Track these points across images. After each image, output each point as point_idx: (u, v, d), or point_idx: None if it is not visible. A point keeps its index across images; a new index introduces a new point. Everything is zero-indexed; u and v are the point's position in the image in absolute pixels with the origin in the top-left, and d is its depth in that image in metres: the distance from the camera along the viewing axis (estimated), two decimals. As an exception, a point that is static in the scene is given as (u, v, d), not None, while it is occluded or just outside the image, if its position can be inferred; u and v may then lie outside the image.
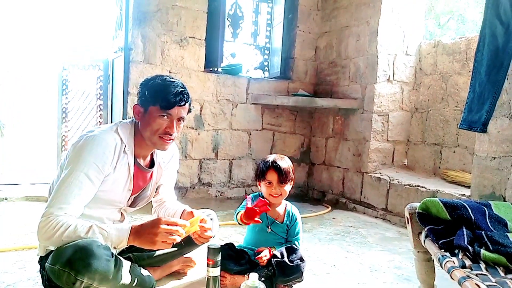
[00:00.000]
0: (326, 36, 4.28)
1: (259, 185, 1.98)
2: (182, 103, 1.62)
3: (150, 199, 1.87)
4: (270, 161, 1.92)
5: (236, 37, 4.24)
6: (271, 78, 4.31)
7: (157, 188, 1.88)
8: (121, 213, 1.79)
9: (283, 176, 1.89)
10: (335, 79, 4.12)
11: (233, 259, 1.88)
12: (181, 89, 1.62)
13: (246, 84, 4.10)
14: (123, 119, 3.43)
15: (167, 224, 1.50)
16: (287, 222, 1.97)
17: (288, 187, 1.94)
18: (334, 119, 4.12)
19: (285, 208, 2.00)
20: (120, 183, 1.65)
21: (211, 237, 1.74)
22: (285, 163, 1.93)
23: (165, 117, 1.61)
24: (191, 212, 1.75)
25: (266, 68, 4.42)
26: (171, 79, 1.64)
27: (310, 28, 4.35)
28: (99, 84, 4.23)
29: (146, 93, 1.62)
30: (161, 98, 1.58)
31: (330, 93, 4.18)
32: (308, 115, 4.43)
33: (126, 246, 1.54)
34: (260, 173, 1.95)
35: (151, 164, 1.80)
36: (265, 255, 1.83)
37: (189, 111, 1.70)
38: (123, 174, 1.64)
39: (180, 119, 1.66)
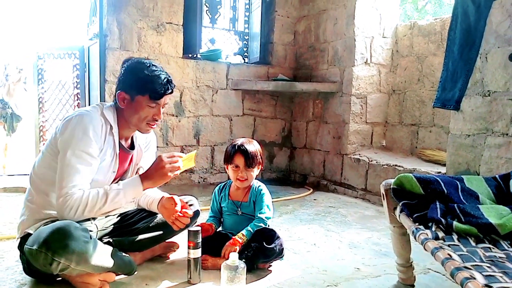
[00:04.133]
0: (304, 20, 4.28)
1: (227, 168, 1.99)
2: (169, 92, 1.68)
3: None
4: (237, 145, 1.93)
5: (215, 23, 4.20)
6: (251, 64, 4.30)
7: (136, 171, 1.87)
8: None
9: (250, 160, 1.90)
10: (314, 63, 4.14)
11: (213, 242, 1.90)
12: (167, 78, 1.68)
13: (226, 70, 4.08)
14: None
15: (168, 157, 1.64)
16: (253, 198, 1.97)
17: (255, 171, 1.95)
18: (314, 103, 4.15)
19: (250, 187, 2.00)
20: (106, 163, 1.66)
21: (188, 223, 1.77)
22: (252, 147, 1.94)
23: (154, 106, 1.67)
24: (171, 197, 1.78)
25: (245, 53, 4.40)
26: (155, 67, 1.67)
27: (288, 12, 4.34)
28: (75, 72, 4.14)
29: (133, 83, 1.65)
30: (151, 89, 1.63)
31: (309, 77, 4.20)
32: (288, 99, 4.44)
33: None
34: (227, 157, 1.96)
35: (131, 146, 1.83)
36: (231, 250, 1.77)
37: None
38: (109, 155, 1.67)
39: (165, 105, 1.72)
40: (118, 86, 1.70)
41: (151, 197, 1.87)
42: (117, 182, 1.72)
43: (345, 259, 2.06)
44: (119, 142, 1.72)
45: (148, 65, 1.67)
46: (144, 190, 1.64)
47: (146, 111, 1.66)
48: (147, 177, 1.63)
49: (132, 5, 3.58)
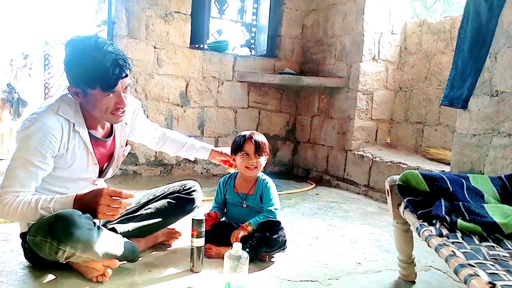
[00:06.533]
0: (313, 14, 4.26)
1: (234, 159, 2.02)
2: (123, 76, 1.48)
3: (118, 164, 1.82)
4: (246, 134, 1.99)
5: (223, 14, 4.19)
6: (258, 56, 4.29)
7: (123, 155, 1.84)
8: (95, 185, 1.74)
9: (259, 148, 1.95)
10: (321, 58, 4.12)
11: (218, 230, 1.92)
12: (116, 58, 1.45)
13: (232, 61, 4.07)
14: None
15: (110, 196, 1.45)
16: (259, 192, 1.99)
17: (263, 160, 1.98)
18: (319, 98, 4.14)
19: (256, 179, 2.02)
20: (81, 161, 1.60)
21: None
22: (261, 137, 2.00)
23: (110, 95, 1.49)
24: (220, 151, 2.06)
25: (252, 45, 4.39)
26: (98, 50, 1.43)
27: (297, 5, 4.32)
28: (82, 59, 4.14)
29: (78, 76, 1.45)
30: (99, 80, 1.43)
31: (316, 72, 4.18)
32: (294, 93, 4.43)
33: None
34: (237, 146, 1.98)
35: (112, 128, 1.73)
36: (238, 234, 1.84)
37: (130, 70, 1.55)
38: (81, 152, 1.59)
39: (126, 87, 1.54)
40: (67, 78, 1.52)
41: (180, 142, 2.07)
42: (106, 167, 1.73)
43: (347, 254, 2.07)
44: (90, 134, 1.61)
45: (92, 48, 1.41)
46: None
47: (105, 102, 1.49)
48: (80, 202, 1.46)
49: (141, -7, 3.57)
